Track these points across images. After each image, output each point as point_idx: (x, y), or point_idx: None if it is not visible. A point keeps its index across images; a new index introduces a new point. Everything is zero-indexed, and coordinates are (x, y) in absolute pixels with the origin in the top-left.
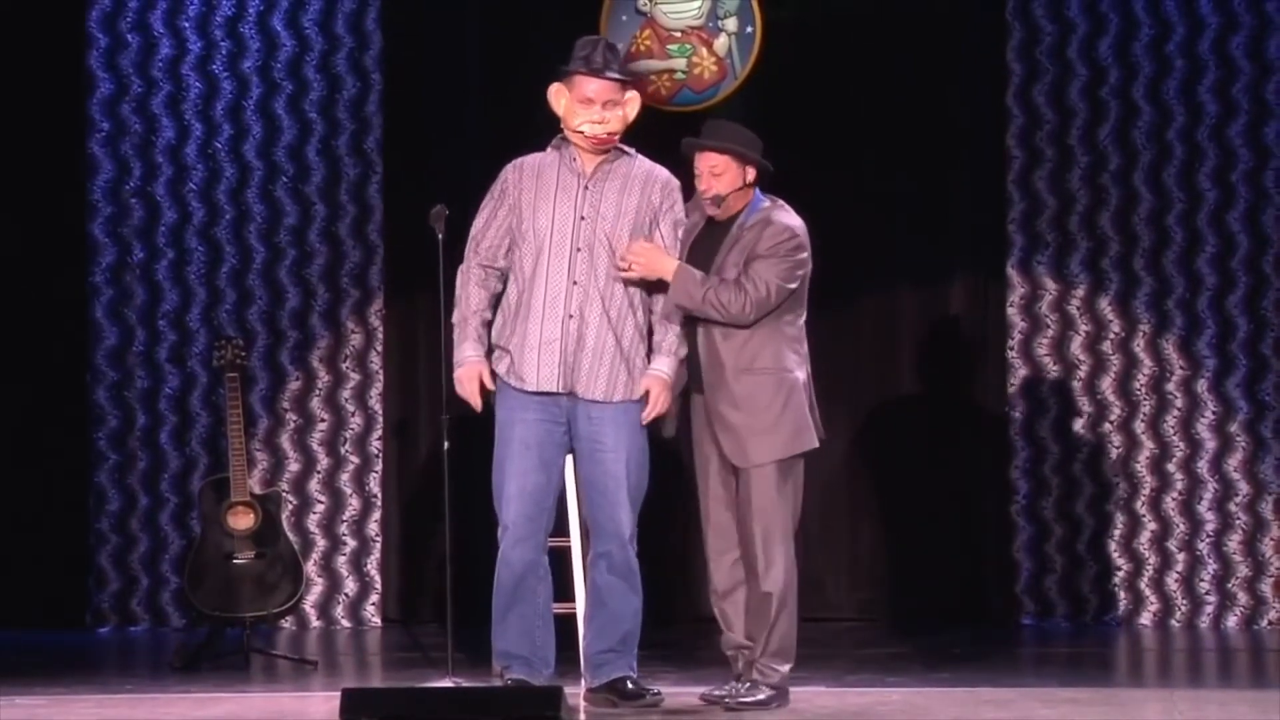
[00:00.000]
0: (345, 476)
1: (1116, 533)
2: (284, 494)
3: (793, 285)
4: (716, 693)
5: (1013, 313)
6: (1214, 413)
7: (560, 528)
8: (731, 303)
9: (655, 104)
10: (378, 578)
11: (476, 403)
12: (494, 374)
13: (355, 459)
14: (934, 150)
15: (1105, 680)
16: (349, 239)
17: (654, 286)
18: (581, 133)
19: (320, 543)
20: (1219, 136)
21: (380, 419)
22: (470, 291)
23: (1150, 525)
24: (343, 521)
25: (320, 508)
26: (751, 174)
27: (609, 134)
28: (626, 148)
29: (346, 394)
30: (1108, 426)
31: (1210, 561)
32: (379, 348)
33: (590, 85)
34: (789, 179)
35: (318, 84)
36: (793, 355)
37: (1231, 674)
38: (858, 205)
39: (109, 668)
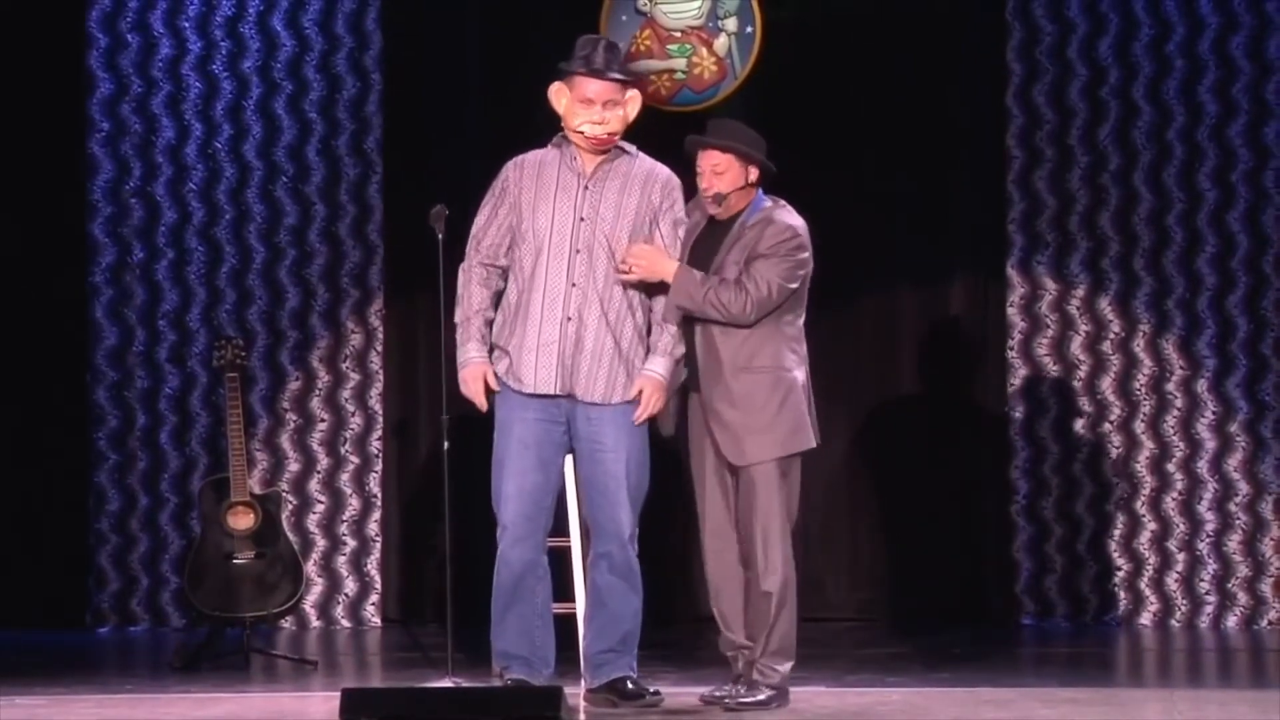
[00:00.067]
0: (345, 476)
1: (1116, 533)
2: (284, 494)
3: (794, 285)
4: (716, 693)
5: (1013, 313)
6: (1214, 413)
7: (560, 528)
8: (732, 303)
9: (655, 104)
10: (378, 578)
11: (482, 403)
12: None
13: (355, 459)
14: (934, 150)
15: (1105, 680)
16: (349, 239)
17: (653, 288)
18: (582, 133)
19: (320, 543)
20: (1219, 136)
21: (380, 419)
22: (472, 290)
23: (1150, 525)
24: (343, 521)
25: (320, 508)
26: (754, 174)
27: (609, 134)
28: (627, 146)
29: (346, 394)
30: (1108, 426)
31: (1210, 561)
32: (379, 348)
33: (591, 86)
34: (789, 179)
35: (318, 84)
36: (791, 355)
37: (1231, 674)
38: (858, 205)
39: (109, 668)
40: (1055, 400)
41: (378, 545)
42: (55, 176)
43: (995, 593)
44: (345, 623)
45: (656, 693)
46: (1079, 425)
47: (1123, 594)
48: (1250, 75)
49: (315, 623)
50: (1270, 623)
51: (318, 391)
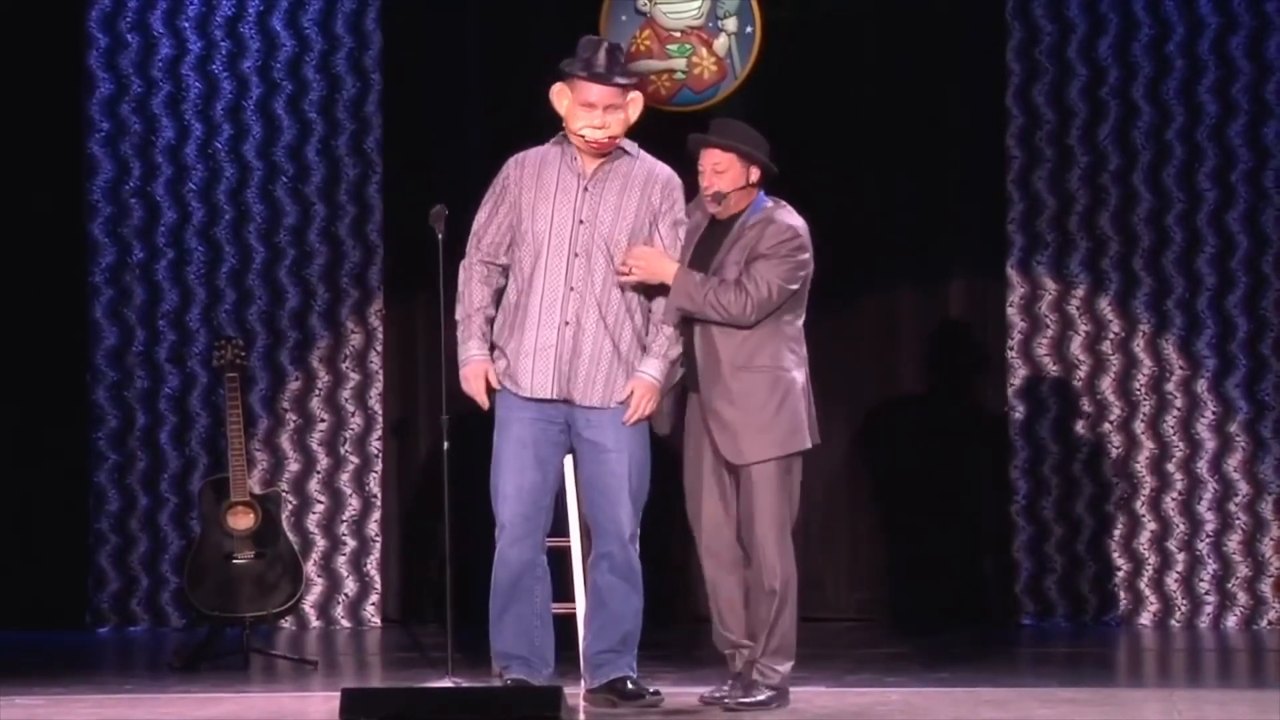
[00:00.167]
0: (345, 476)
1: (1116, 533)
2: (284, 494)
3: (794, 286)
4: (716, 693)
5: (1013, 313)
6: (1214, 413)
7: (560, 528)
8: (732, 304)
9: (655, 104)
10: (377, 578)
11: (483, 401)
12: None
13: (355, 459)
14: (934, 150)
15: (1105, 680)
16: (349, 239)
17: (652, 290)
18: (582, 136)
19: (320, 543)
20: (1219, 136)
21: (380, 419)
22: (473, 288)
23: (1150, 525)
24: (342, 521)
25: (320, 508)
26: (755, 174)
27: (609, 138)
28: (629, 146)
29: (346, 394)
30: (1107, 426)
31: (1210, 561)
32: (379, 348)
33: (592, 90)
34: (789, 179)
35: (317, 84)
36: (791, 355)
37: (1231, 674)
38: (858, 205)
39: (108, 668)
40: (1055, 400)
41: (377, 545)
42: (55, 176)
43: (995, 593)
44: (345, 623)
45: (656, 693)
46: (1079, 425)
47: (1122, 594)
48: (1250, 75)
49: (315, 623)
50: (1270, 623)
51: (317, 391)
